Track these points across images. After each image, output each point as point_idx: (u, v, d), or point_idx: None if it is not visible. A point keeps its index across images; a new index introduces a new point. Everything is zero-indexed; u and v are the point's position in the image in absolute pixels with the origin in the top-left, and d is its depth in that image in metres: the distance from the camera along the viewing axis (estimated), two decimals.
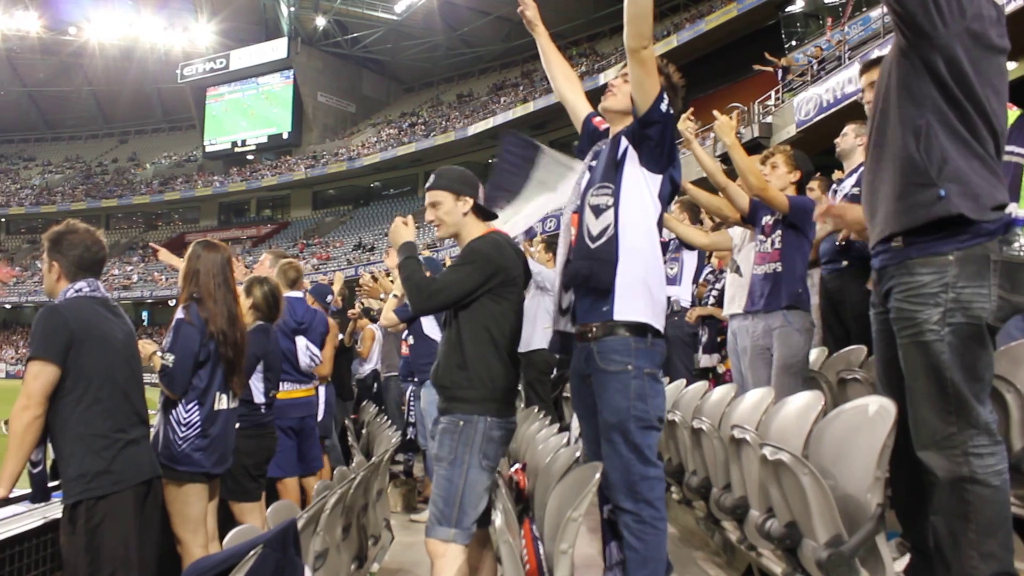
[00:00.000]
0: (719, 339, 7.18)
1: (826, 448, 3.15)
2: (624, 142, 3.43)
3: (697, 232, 6.27)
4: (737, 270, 5.56)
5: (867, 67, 4.38)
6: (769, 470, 3.34)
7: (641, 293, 3.29)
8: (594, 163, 3.56)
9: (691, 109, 5.22)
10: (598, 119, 3.79)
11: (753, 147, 22.24)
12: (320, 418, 6.76)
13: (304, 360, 6.14)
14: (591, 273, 3.34)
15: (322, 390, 6.86)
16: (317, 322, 6.38)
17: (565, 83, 3.98)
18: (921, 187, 2.70)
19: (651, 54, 3.28)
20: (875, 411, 2.87)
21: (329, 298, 7.46)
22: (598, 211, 3.38)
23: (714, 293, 7.10)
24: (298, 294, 6.36)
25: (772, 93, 24.98)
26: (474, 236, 3.59)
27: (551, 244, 7.69)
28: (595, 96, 3.57)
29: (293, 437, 5.98)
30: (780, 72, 24.81)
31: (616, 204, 3.35)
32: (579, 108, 3.91)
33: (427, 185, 3.68)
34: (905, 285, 2.74)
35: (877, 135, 2.93)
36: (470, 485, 3.34)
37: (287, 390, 5.97)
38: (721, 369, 7.14)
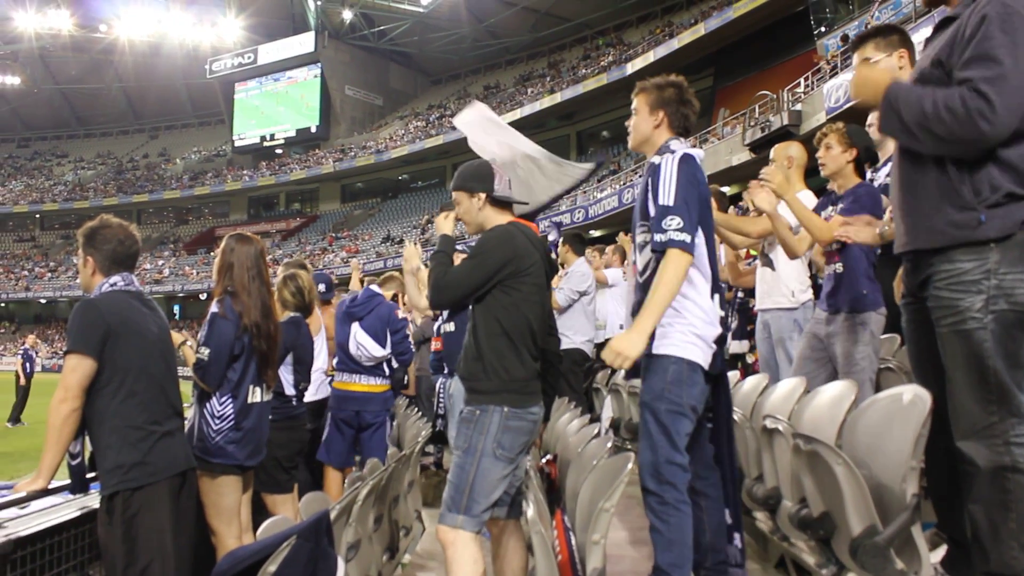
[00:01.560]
0: (748, 327, 7.13)
1: (860, 438, 3.12)
2: (650, 187, 3.46)
3: (744, 219, 6.06)
4: (768, 264, 5.47)
5: (858, 43, 3.97)
6: (802, 460, 3.32)
7: (680, 329, 3.36)
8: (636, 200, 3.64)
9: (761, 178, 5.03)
10: None
11: (782, 135, 22.09)
12: None
13: (352, 348, 6.05)
14: (639, 304, 3.42)
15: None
16: (374, 311, 6.21)
17: None
18: (961, 209, 2.65)
19: None
20: (910, 400, 2.84)
21: (322, 287, 7.32)
22: (641, 248, 3.50)
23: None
24: (376, 289, 6.42)
25: (801, 80, 24.74)
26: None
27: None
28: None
29: (347, 429, 6.00)
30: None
31: (653, 241, 3.39)
32: None
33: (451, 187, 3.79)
34: (945, 273, 2.69)
35: None
36: (482, 473, 3.33)
37: (343, 381, 6.04)
38: (751, 359, 7.09)
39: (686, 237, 3.28)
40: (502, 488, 3.40)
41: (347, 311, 6.14)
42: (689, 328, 3.35)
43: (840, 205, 4.76)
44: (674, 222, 3.29)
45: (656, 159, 3.48)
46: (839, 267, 4.72)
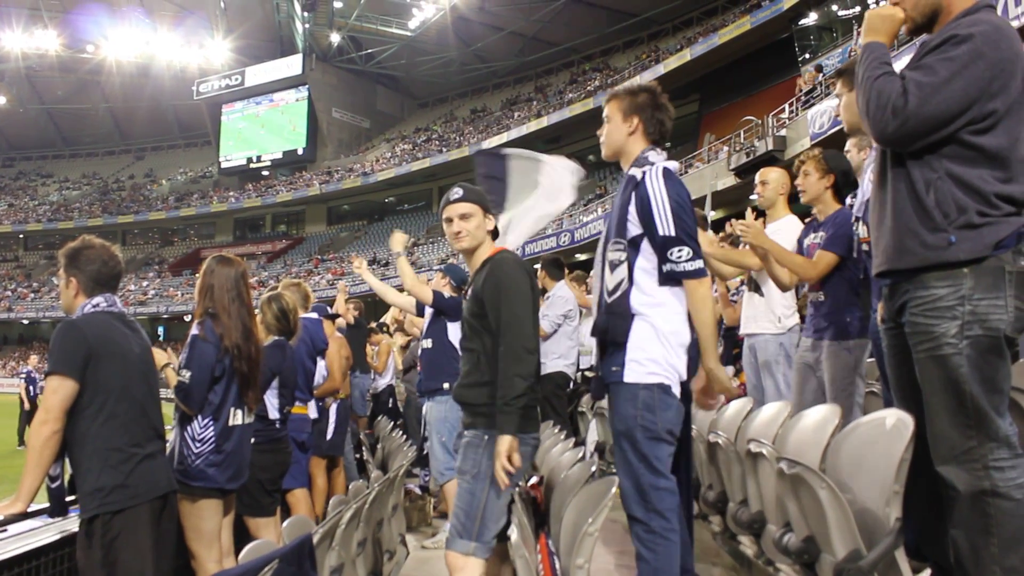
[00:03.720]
0: (734, 351, 7.14)
1: (844, 462, 3.13)
2: (631, 205, 3.39)
3: (742, 252, 6.09)
4: (756, 290, 5.51)
5: (840, 74, 4.28)
6: (786, 484, 3.32)
7: (653, 352, 3.27)
8: (610, 215, 3.55)
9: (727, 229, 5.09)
10: None
11: (767, 160, 22.24)
12: (329, 435, 6.77)
13: (319, 380, 6.16)
14: (608, 327, 3.36)
15: (333, 407, 6.88)
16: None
17: None
18: (931, 230, 2.69)
19: None
20: (893, 424, 2.85)
21: (329, 310, 7.48)
22: (613, 266, 3.39)
23: (733, 300, 7.06)
24: (314, 315, 6.36)
25: (786, 106, 24.95)
26: (486, 255, 3.63)
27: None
28: None
29: (305, 450, 5.98)
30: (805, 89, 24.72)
31: (629, 260, 3.35)
32: None
33: (456, 196, 3.66)
34: (921, 299, 2.73)
35: (882, 162, 2.92)
36: (493, 499, 3.34)
37: (298, 406, 5.95)
38: (736, 383, 7.10)
39: (699, 264, 3.27)
40: (506, 513, 3.40)
41: (318, 347, 6.19)
42: (655, 353, 3.27)
43: (820, 232, 4.83)
44: (684, 252, 3.25)
45: (635, 171, 3.41)
46: (820, 296, 4.79)
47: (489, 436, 3.39)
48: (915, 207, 2.73)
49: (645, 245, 3.35)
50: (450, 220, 3.65)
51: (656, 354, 3.27)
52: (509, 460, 3.29)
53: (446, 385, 5.89)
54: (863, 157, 4.90)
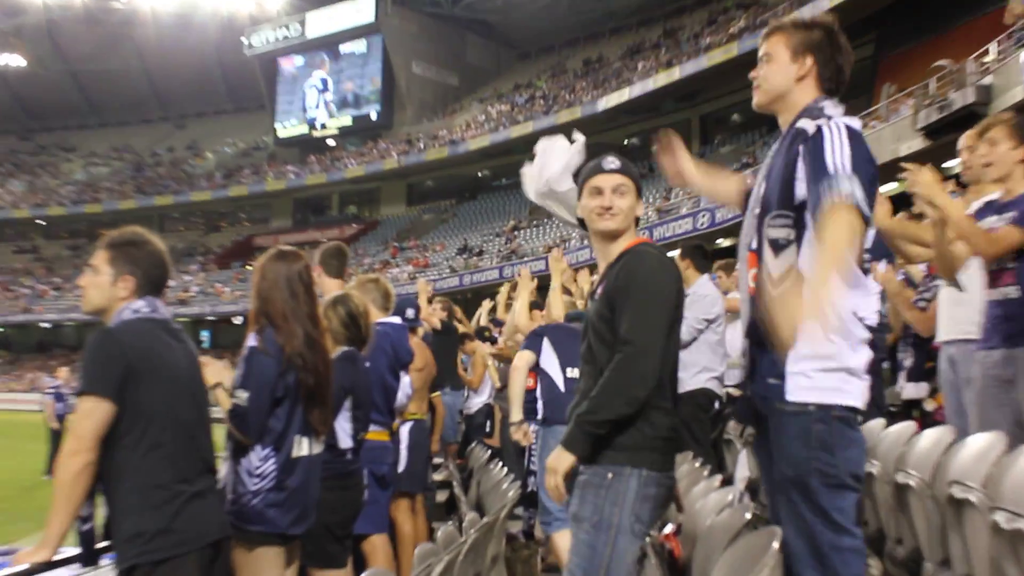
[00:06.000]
0: (927, 365, 6.94)
1: None
2: (800, 160, 3.17)
3: (922, 226, 5.93)
4: (954, 284, 5.34)
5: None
6: (1005, 542, 3.22)
7: (826, 360, 3.06)
8: (767, 178, 3.34)
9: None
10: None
11: (966, 116, 21.53)
12: (402, 466, 6.72)
13: (402, 399, 6.20)
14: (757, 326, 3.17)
15: (404, 429, 6.82)
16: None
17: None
18: None
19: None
20: None
21: (410, 312, 7.27)
22: (777, 246, 3.20)
23: (920, 304, 6.85)
24: (397, 320, 6.39)
25: (991, 46, 24.14)
26: (625, 245, 3.55)
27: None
28: (755, 60, 3.45)
29: (385, 486, 6.01)
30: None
31: (799, 238, 3.16)
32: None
33: (611, 165, 3.56)
34: None
35: None
36: (618, 554, 3.31)
37: (379, 431, 5.96)
38: (931, 406, 6.90)
39: (863, 203, 2.92)
40: (634, 571, 3.38)
41: (402, 360, 6.24)
42: (841, 357, 3.08)
43: (1009, 212, 4.67)
44: (848, 185, 2.91)
45: (806, 124, 3.19)
46: (1013, 291, 4.64)
47: (614, 474, 3.36)
48: None
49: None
50: (599, 191, 3.54)
51: (832, 358, 3.07)
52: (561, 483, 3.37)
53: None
54: None
